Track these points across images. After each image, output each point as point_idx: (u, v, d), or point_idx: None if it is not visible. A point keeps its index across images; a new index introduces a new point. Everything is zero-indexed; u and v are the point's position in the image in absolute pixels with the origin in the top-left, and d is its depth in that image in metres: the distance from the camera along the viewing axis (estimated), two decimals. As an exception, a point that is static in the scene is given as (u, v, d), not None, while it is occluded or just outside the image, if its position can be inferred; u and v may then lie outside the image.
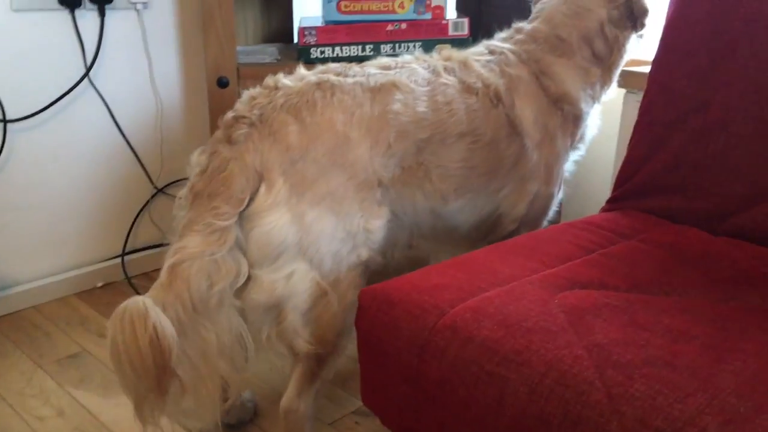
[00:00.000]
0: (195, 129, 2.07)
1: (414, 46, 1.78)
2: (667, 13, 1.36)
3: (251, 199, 1.10)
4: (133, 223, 2.03)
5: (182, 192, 1.20)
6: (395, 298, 0.98)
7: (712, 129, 1.20)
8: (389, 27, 1.76)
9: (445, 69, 1.31)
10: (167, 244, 2.11)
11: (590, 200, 2.04)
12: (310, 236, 1.12)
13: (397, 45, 1.78)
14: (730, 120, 1.18)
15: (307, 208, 1.12)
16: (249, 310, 1.12)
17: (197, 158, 1.19)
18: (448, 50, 1.38)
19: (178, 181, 2.05)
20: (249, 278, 1.11)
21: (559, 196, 1.49)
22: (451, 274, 1.02)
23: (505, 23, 1.51)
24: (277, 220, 1.09)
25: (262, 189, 1.10)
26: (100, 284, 1.99)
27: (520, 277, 1.00)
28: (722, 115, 1.20)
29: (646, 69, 1.41)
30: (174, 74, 2.00)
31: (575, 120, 1.43)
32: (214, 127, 1.70)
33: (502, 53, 1.39)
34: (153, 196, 2.05)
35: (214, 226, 1.07)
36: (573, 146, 1.47)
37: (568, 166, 1.50)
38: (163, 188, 2.05)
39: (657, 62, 1.35)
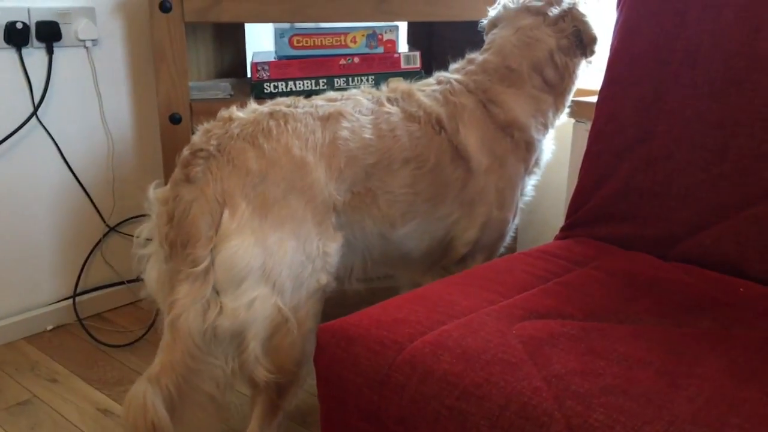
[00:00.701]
0: (147, 166, 2.04)
1: (367, 80, 1.80)
2: (611, 44, 1.40)
3: (217, 227, 1.12)
4: (85, 263, 1.98)
5: (140, 230, 1.23)
6: (354, 334, 0.97)
7: (658, 157, 1.23)
8: (342, 61, 1.78)
9: (389, 99, 1.36)
10: (120, 283, 2.08)
11: (546, 226, 2.07)
12: (273, 259, 1.13)
13: (350, 79, 1.79)
14: (674, 148, 1.22)
15: (269, 231, 1.13)
16: (217, 341, 1.13)
17: (156, 196, 1.20)
18: (394, 83, 1.42)
19: (131, 218, 2.01)
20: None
21: (515, 221, 1.52)
22: (410, 307, 1.01)
23: (458, 54, 1.54)
24: (241, 243, 1.11)
25: (226, 214, 1.11)
26: (50, 327, 1.93)
27: (478, 308, 1.01)
28: (667, 143, 1.24)
29: (594, 99, 1.45)
30: (125, 111, 1.98)
31: (527, 146, 1.46)
32: (167, 164, 1.68)
33: (448, 83, 1.43)
34: (105, 235, 2.01)
35: (194, 273, 1.11)
36: (528, 172, 1.50)
37: (527, 191, 1.53)
38: (115, 226, 2.02)
39: (603, 92, 1.38)
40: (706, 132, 1.19)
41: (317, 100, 1.31)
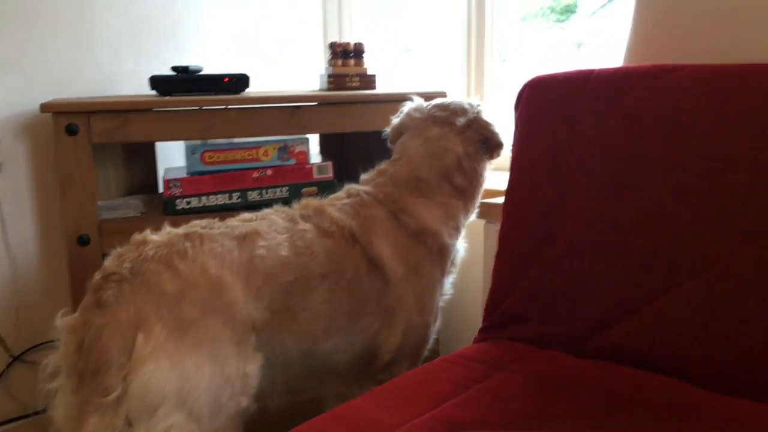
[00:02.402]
0: (54, 291, 1.96)
1: (281, 191, 1.82)
2: (512, 148, 1.47)
3: (130, 352, 1.08)
4: (-14, 397, 1.85)
5: (47, 361, 1.17)
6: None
7: (563, 257, 1.28)
8: (255, 174, 1.79)
9: (302, 216, 1.38)
10: (27, 416, 1.95)
11: (465, 324, 2.09)
12: (190, 383, 1.09)
13: (263, 191, 1.80)
14: (577, 248, 1.27)
15: (186, 353, 1.10)
16: None
17: (64, 324, 1.15)
18: (306, 200, 1.45)
19: (37, 346, 1.91)
20: None
21: (437, 323, 1.53)
22: (332, 429, 0.99)
23: (371, 161, 1.59)
24: (155, 367, 1.07)
25: (140, 338, 1.08)
26: (-53, 471, 1.77)
27: (401, 424, 0.99)
28: (571, 244, 1.29)
29: (501, 200, 1.50)
30: (30, 235, 1.92)
31: (441, 252, 1.49)
32: (75, 289, 1.62)
33: (358, 195, 1.47)
34: (9, 365, 1.89)
35: (105, 404, 1.06)
36: (445, 274, 1.53)
37: (446, 289, 1.55)
38: (20, 355, 1.90)
39: (508, 196, 1.44)
40: (606, 232, 1.25)
41: (232, 221, 1.32)
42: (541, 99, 1.40)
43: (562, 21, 2.88)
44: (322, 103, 1.85)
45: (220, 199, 1.77)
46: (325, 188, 1.80)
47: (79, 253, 1.64)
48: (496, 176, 1.70)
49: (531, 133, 1.41)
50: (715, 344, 1.10)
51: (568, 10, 2.64)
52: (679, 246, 1.16)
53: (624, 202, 1.23)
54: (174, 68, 1.83)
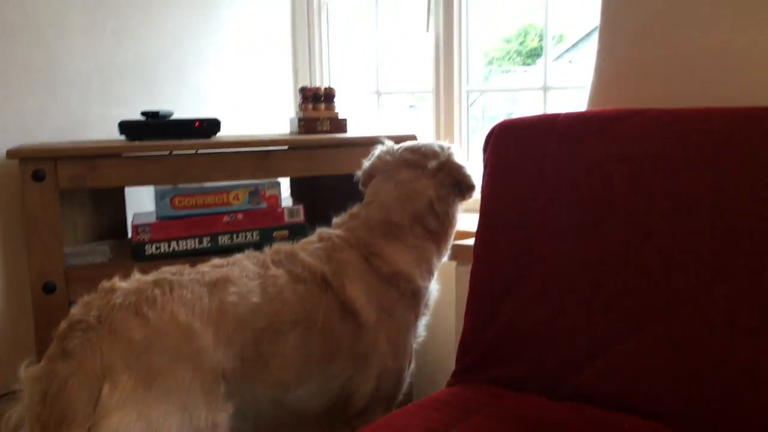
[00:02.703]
0: (19, 340, 1.91)
1: (252, 235, 1.81)
2: (481, 190, 1.48)
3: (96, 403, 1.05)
4: (-56, 453, 1.78)
5: (9, 414, 1.13)
6: None
7: (535, 299, 1.29)
8: (225, 218, 1.78)
9: (273, 262, 1.36)
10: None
11: (438, 365, 2.08)
12: None
13: (234, 235, 1.79)
14: (547, 291, 1.28)
15: (154, 403, 1.07)
16: None
17: (28, 375, 1.12)
18: (278, 244, 1.44)
19: (0, 397, 1.85)
20: None
21: (411, 367, 1.52)
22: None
23: (342, 204, 1.59)
24: (122, 419, 1.04)
25: (106, 388, 1.05)
26: None
27: (374, 473, 0.98)
28: (542, 285, 1.30)
29: (472, 241, 1.51)
30: (-6, 282, 1.87)
31: (414, 295, 1.49)
32: (40, 337, 1.58)
33: (329, 239, 1.46)
34: (-31, 418, 1.82)
35: None
36: (419, 318, 1.52)
37: (419, 332, 1.54)
38: (-19, 407, 1.84)
39: (479, 237, 1.45)
40: (576, 272, 1.26)
41: (203, 267, 1.30)
42: (509, 142, 1.42)
43: (528, 64, 2.95)
44: (293, 147, 1.85)
45: (190, 244, 1.75)
46: (297, 232, 1.80)
47: (44, 301, 1.61)
48: (467, 217, 1.71)
49: (500, 176, 1.43)
50: (685, 385, 1.10)
51: (534, 54, 2.71)
52: (647, 287, 1.17)
53: (592, 243, 1.24)
54: (144, 113, 1.83)
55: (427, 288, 1.53)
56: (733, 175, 1.12)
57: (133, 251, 1.72)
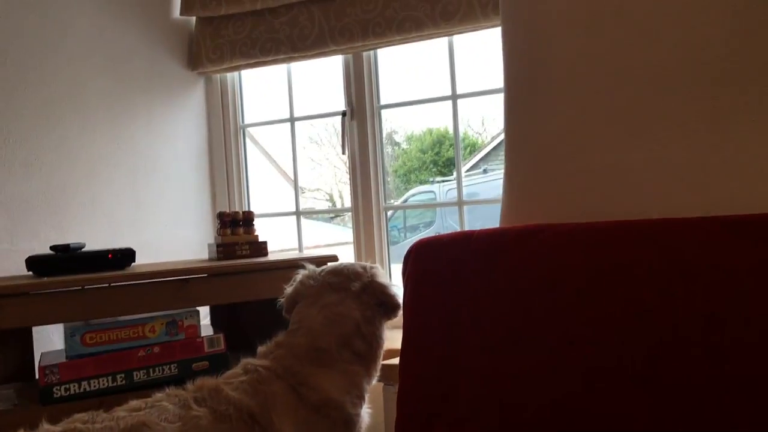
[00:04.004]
0: None
1: (170, 368, 1.73)
2: (403, 308, 1.48)
3: None
4: None
5: None
6: None
7: (466, 420, 1.27)
8: (141, 353, 1.71)
9: (195, 400, 1.29)
10: None
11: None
12: None
13: (150, 370, 1.71)
14: (476, 409, 1.26)
15: None
16: None
17: None
18: (202, 379, 1.37)
19: None
20: None
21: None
22: None
23: (263, 333, 1.55)
24: None
25: None
26: None
27: None
28: (470, 401, 1.28)
29: (398, 360, 1.49)
30: None
31: (346, 424, 1.44)
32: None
33: (256, 371, 1.40)
34: None
35: None
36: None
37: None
38: None
39: (404, 356, 1.43)
40: (503, 386, 1.25)
41: (119, 412, 1.23)
42: (428, 260, 1.44)
43: (445, 174, 3.05)
44: (212, 274, 1.82)
45: (103, 383, 1.66)
46: (217, 361, 1.73)
47: (-63, 459, 1.47)
48: (392, 335, 1.70)
49: (420, 293, 1.43)
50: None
51: (450, 163, 2.81)
52: (574, 397, 1.17)
53: (518, 354, 1.25)
54: (53, 247, 1.77)
55: (359, 415, 1.48)
56: (642, 284, 1.17)
57: (40, 395, 1.61)
